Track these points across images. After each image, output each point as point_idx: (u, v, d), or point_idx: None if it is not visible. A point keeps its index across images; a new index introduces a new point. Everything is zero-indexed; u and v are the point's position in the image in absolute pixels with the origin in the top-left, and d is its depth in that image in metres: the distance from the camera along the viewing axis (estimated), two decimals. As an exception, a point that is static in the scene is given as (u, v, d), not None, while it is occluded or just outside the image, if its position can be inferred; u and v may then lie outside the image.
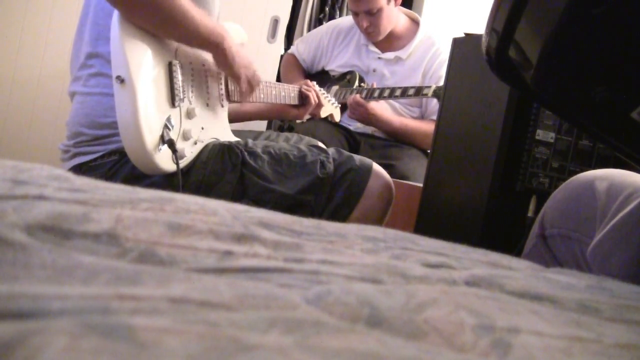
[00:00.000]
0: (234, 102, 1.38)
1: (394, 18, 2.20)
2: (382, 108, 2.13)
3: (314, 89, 1.60)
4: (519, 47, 0.62)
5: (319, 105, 1.62)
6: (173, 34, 1.16)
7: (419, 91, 2.01)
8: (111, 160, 1.20)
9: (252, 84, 1.32)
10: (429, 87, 1.99)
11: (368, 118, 2.11)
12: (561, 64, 0.63)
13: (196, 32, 1.15)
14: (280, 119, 2.29)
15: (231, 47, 1.22)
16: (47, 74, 2.10)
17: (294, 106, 1.58)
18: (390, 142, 2.18)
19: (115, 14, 1.09)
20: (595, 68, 0.63)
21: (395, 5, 2.18)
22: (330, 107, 1.76)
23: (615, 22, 0.59)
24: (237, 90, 1.34)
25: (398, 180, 1.71)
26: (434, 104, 2.16)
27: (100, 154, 1.20)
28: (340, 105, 1.87)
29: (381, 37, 2.21)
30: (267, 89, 1.45)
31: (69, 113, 1.26)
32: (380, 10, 2.12)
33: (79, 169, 1.21)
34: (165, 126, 1.13)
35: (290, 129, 2.23)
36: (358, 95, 2.09)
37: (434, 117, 2.16)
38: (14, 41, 2.05)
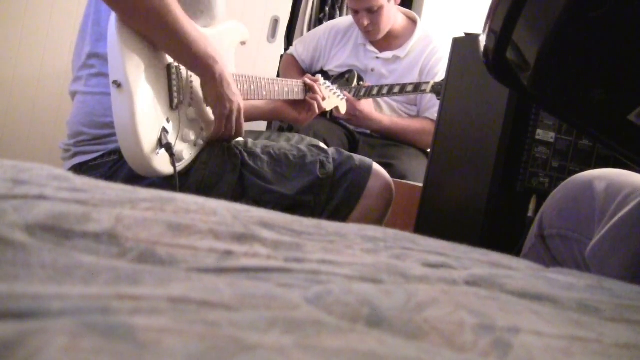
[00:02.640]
0: None
1: (393, 17, 2.20)
2: (371, 107, 2.13)
3: (319, 94, 1.56)
4: (517, 48, 0.62)
5: (320, 108, 1.59)
6: (166, 45, 1.14)
7: (417, 88, 2.02)
8: (111, 159, 1.20)
9: (227, 122, 1.22)
10: (427, 83, 1.99)
11: (356, 116, 2.11)
12: (559, 66, 0.63)
13: (188, 48, 1.12)
14: (281, 121, 2.28)
15: (222, 73, 1.17)
16: (47, 74, 2.10)
17: (296, 109, 1.56)
18: (389, 142, 2.18)
19: (113, 16, 1.09)
20: (593, 70, 0.63)
21: (395, 3, 2.18)
22: (335, 100, 1.74)
23: (613, 25, 0.59)
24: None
25: (398, 180, 1.71)
26: (427, 100, 2.16)
27: (101, 153, 1.20)
28: (345, 97, 1.87)
29: (380, 36, 2.21)
30: (269, 85, 1.44)
31: (70, 112, 1.26)
32: (380, 8, 2.12)
33: (79, 168, 1.21)
34: (163, 129, 1.13)
35: (291, 129, 2.23)
36: (346, 92, 2.09)
37: (428, 114, 2.17)
38: (14, 41, 2.05)
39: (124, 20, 1.08)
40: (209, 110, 1.28)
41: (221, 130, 1.23)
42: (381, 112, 2.20)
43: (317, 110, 1.54)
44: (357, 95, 2.12)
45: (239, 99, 1.22)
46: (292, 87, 1.51)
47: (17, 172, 0.40)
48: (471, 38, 1.43)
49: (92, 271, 0.27)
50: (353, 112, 2.09)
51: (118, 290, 0.25)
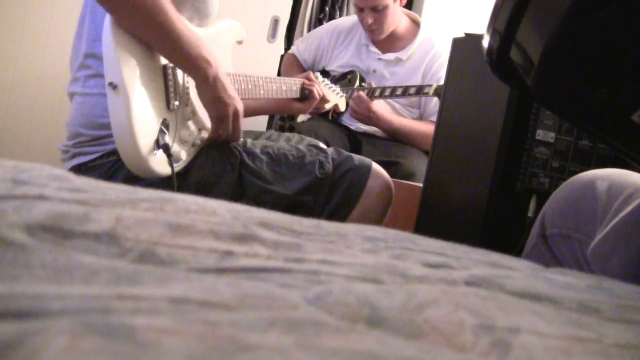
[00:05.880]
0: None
1: (397, 18, 2.21)
2: (382, 107, 2.13)
3: (316, 82, 1.57)
4: (521, 48, 0.62)
5: (323, 99, 1.59)
6: (159, 46, 1.13)
7: (420, 90, 2.02)
8: (110, 160, 1.20)
9: (223, 125, 1.20)
10: (430, 86, 1.99)
11: (369, 116, 2.10)
12: (563, 66, 0.63)
13: (180, 49, 1.11)
14: (284, 114, 2.28)
15: (216, 75, 1.15)
16: (47, 74, 2.10)
17: (297, 100, 1.56)
18: (391, 141, 2.18)
19: (107, 17, 1.08)
20: (596, 70, 0.63)
21: (400, 5, 2.19)
22: (334, 97, 1.74)
23: (616, 25, 0.59)
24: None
25: (398, 180, 1.71)
26: (432, 104, 2.16)
27: (100, 154, 1.20)
28: (345, 95, 1.86)
29: (383, 36, 2.21)
30: (267, 84, 1.44)
31: (69, 113, 1.26)
32: (386, 7, 2.13)
33: (78, 169, 1.21)
34: (161, 130, 1.13)
35: (292, 129, 2.23)
36: (362, 92, 2.08)
37: (433, 118, 2.17)
38: (14, 41, 2.05)
39: (117, 20, 1.08)
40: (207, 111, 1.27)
41: (217, 133, 1.22)
42: None
43: (317, 96, 1.54)
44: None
45: (236, 102, 1.19)
46: (290, 86, 1.51)
47: (17, 172, 0.40)
48: (471, 38, 1.43)
49: (92, 271, 0.26)
50: (367, 113, 2.09)
51: (118, 290, 0.25)
